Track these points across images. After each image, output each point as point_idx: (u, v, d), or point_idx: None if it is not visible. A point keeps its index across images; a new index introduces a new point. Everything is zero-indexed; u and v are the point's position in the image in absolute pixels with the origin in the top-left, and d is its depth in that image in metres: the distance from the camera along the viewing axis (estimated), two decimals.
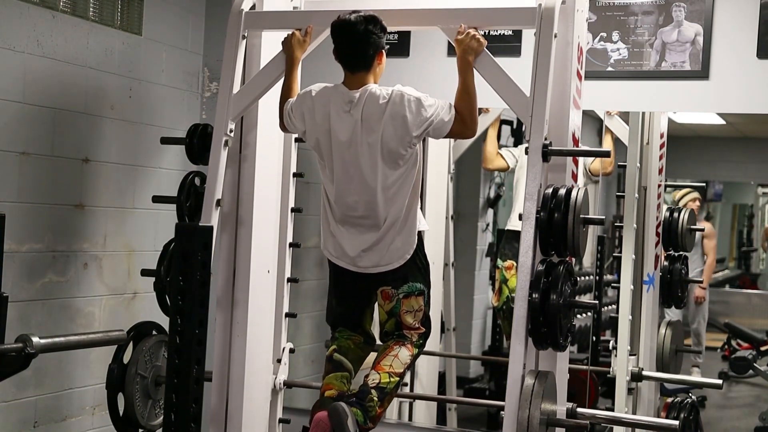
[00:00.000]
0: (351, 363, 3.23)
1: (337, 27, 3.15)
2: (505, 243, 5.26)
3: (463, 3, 3.25)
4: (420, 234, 3.21)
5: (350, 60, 3.14)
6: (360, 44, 3.11)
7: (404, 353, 3.16)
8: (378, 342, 3.33)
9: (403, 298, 3.17)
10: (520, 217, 2.88)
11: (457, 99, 3.10)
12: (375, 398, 3.03)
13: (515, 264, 2.81)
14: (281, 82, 3.38)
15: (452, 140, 5.01)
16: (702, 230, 5.31)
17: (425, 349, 4.82)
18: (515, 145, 6.52)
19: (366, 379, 3.11)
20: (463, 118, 3.09)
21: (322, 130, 3.15)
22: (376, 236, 3.14)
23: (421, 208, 4.54)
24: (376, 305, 3.31)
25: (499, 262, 5.25)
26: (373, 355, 3.30)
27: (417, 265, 3.20)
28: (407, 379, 4.71)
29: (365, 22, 3.10)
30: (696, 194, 6.21)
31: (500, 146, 5.52)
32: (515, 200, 5.23)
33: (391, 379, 3.10)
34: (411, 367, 3.27)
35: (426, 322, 3.25)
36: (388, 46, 3.22)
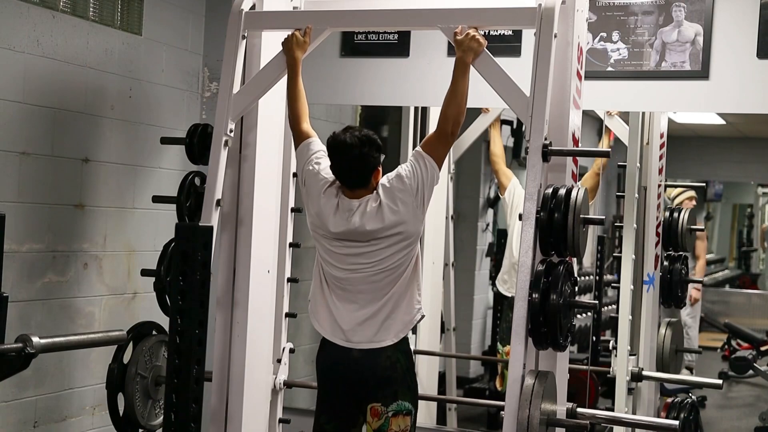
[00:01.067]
0: None
1: (332, 147, 3.15)
2: (504, 325, 5.18)
3: (463, 3, 3.25)
4: (411, 356, 3.21)
5: (348, 180, 3.15)
6: (356, 166, 3.12)
7: None
8: None
9: (392, 417, 3.14)
10: (521, 217, 2.88)
11: (445, 101, 3.09)
12: None
13: None
14: (282, 82, 3.38)
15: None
16: (702, 230, 5.31)
17: (425, 348, 4.89)
18: (515, 145, 6.51)
19: None
20: (444, 125, 3.09)
21: (323, 224, 3.16)
22: (373, 309, 3.14)
23: None
24: (363, 428, 3.25)
25: (499, 346, 5.22)
26: None
27: (407, 384, 3.17)
28: None
29: (360, 146, 3.11)
30: (692, 192, 6.18)
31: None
32: (507, 254, 5.10)
33: None
34: None
35: None
36: (383, 156, 3.23)
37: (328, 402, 3.24)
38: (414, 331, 4.54)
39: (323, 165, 3.22)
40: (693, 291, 6.65)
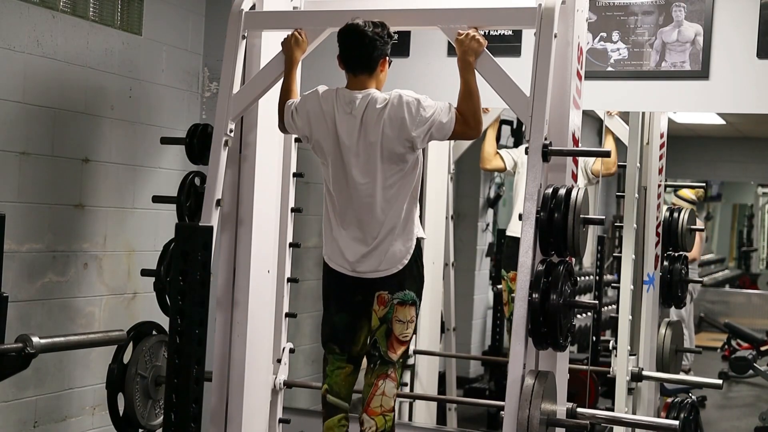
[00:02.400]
0: (344, 399, 3.27)
1: (344, 30, 3.18)
2: (507, 251, 5.19)
3: (463, 3, 3.25)
4: (419, 242, 3.23)
5: (353, 61, 3.16)
6: (365, 46, 3.13)
7: (389, 386, 3.17)
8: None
9: (398, 305, 3.18)
10: (521, 217, 2.87)
11: (460, 100, 3.10)
12: None
13: None
14: (281, 82, 3.38)
15: (452, 141, 5.01)
16: (702, 230, 5.31)
17: (425, 348, 4.89)
18: (515, 145, 6.52)
19: (363, 429, 3.15)
20: (467, 119, 3.09)
21: (327, 133, 3.17)
22: (375, 240, 3.16)
23: (421, 208, 4.56)
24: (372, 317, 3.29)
25: (503, 273, 5.23)
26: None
27: (413, 274, 3.21)
28: (407, 378, 4.72)
29: (373, 26, 3.15)
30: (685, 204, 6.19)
31: (500, 146, 5.50)
32: (515, 203, 5.16)
33: (387, 418, 3.15)
34: (399, 388, 3.26)
35: (410, 337, 3.24)
36: (392, 61, 3.24)
37: (335, 293, 3.27)
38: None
39: (310, 92, 3.23)
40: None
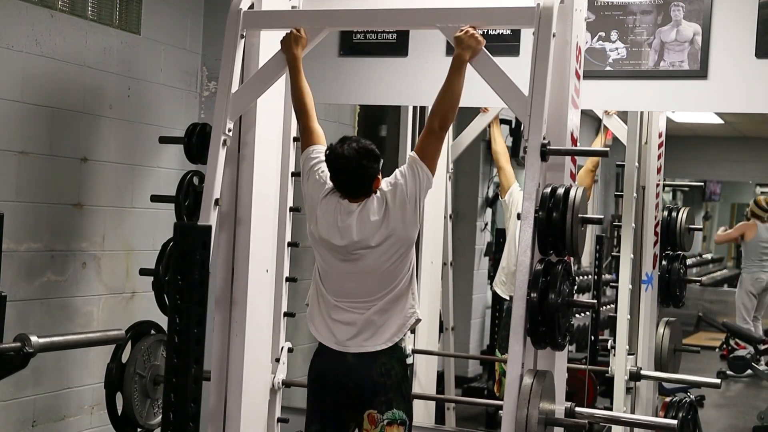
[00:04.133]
0: None
1: (331, 161, 3.15)
2: (505, 330, 5.11)
3: (462, 3, 3.25)
4: (406, 365, 3.23)
5: (348, 191, 3.16)
6: (356, 179, 3.13)
7: None
8: None
9: (387, 426, 3.15)
10: (519, 217, 2.88)
11: (438, 97, 3.09)
12: None
13: None
14: (280, 81, 3.38)
15: (450, 140, 5.01)
16: (701, 230, 5.31)
17: (424, 348, 4.89)
18: (514, 145, 6.51)
19: None
20: (432, 121, 3.09)
21: (323, 228, 3.16)
22: (369, 314, 3.15)
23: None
24: None
25: (498, 353, 5.21)
26: None
27: (402, 393, 3.18)
28: None
29: (358, 157, 3.09)
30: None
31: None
32: (505, 256, 4.98)
33: None
34: None
35: None
36: (380, 176, 3.21)
37: (320, 409, 3.22)
38: (412, 331, 4.54)
39: (326, 173, 3.21)
40: None
